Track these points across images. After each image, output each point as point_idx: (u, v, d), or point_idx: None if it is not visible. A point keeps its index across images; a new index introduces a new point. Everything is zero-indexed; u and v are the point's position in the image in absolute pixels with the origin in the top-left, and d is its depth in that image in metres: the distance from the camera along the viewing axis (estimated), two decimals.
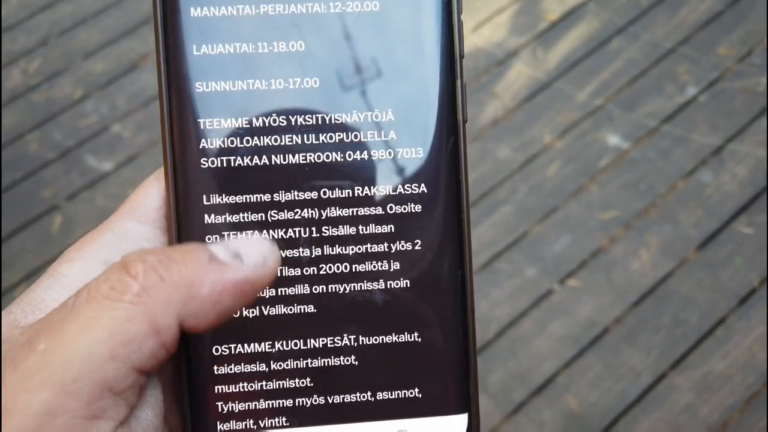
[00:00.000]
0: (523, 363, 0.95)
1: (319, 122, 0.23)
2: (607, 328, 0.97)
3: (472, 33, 1.28)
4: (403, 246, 0.23)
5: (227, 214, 0.23)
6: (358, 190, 0.23)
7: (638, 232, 1.05)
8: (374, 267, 0.23)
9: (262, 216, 0.23)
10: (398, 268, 0.23)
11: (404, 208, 0.23)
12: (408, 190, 0.23)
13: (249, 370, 0.23)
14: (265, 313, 0.23)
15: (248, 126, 0.23)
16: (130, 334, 0.18)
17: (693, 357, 0.94)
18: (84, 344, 0.17)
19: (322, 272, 0.23)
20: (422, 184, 0.23)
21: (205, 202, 0.23)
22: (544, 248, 1.04)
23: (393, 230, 0.23)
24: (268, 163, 0.23)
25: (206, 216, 0.23)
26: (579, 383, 0.93)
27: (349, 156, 0.23)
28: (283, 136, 0.23)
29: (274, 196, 0.23)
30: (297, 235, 0.23)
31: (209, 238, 0.23)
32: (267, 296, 0.23)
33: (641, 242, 1.04)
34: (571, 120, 1.17)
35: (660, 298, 0.99)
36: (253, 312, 0.23)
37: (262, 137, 0.23)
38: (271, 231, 0.23)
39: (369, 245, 0.23)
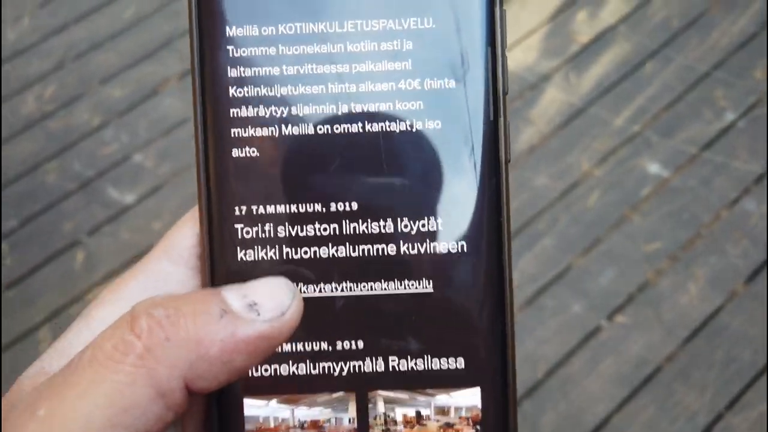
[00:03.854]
0: (575, 404, 0.92)
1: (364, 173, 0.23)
2: (659, 366, 0.95)
3: None
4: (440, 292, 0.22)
5: (264, 255, 0.22)
6: (402, 226, 0.23)
7: (685, 265, 1.02)
8: (415, 310, 0.22)
9: (298, 254, 0.22)
10: (437, 316, 0.22)
11: (444, 252, 0.22)
12: (447, 234, 0.22)
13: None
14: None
15: (285, 169, 0.23)
16: (132, 400, 0.17)
17: (749, 396, 0.92)
18: (83, 411, 0.17)
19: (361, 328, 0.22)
20: (463, 226, 0.22)
21: (240, 241, 0.22)
22: (588, 282, 1.01)
23: (432, 275, 0.22)
24: (302, 211, 0.22)
25: (240, 254, 0.22)
26: (634, 425, 0.90)
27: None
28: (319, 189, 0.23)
29: (310, 248, 0.22)
30: (332, 284, 0.22)
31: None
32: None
33: (688, 275, 1.01)
34: (609, 147, 1.14)
35: (711, 333, 0.97)
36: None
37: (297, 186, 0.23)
38: (302, 275, 0.22)
39: (409, 283, 0.22)
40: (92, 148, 1.21)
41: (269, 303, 0.19)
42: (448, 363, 0.22)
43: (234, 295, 0.19)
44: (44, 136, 1.23)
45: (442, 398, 0.22)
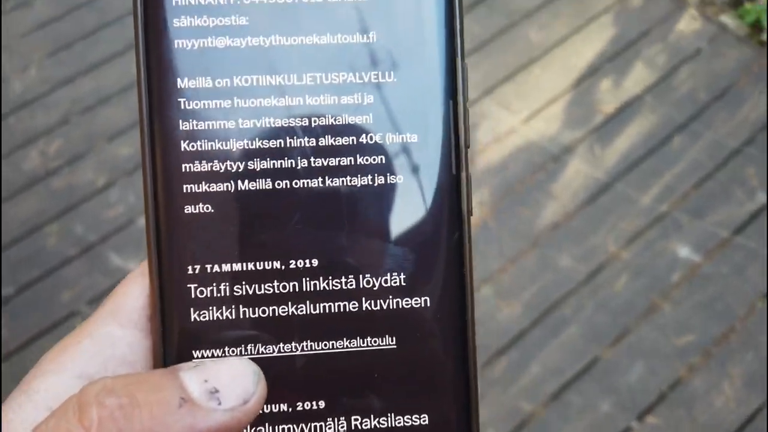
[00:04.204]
0: None
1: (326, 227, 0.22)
2: None
3: (524, 124, 1.21)
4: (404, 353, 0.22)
5: (219, 315, 0.21)
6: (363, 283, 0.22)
7: (719, 362, 0.97)
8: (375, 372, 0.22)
9: (256, 313, 0.22)
10: (400, 371, 0.22)
11: (407, 307, 0.22)
12: (406, 283, 0.22)
13: None
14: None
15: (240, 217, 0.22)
16: None
17: None
18: None
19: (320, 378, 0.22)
20: (426, 281, 0.22)
21: (193, 301, 0.21)
22: (617, 377, 0.96)
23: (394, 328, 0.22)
24: (260, 269, 0.22)
25: (193, 315, 0.21)
26: None
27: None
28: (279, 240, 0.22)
29: (268, 306, 0.22)
30: (294, 342, 0.22)
31: (196, 353, 0.21)
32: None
33: (723, 373, 0.96)
34: (636, 227, 1.10)
35: None
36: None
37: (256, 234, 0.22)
38: (263, 337, 0.22)
39: (366, 340, 0.22)
40: (96, 209, 1.16)
41: (232, 390, 0.18)
42: (412, 420, 0.22)
43: (194, 379, 0.18)
44: (47, 195, 1.18)
45: None
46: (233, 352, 0.21)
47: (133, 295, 0.21)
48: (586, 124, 1.21)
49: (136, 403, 0.17)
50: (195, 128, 0.21)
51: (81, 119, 1.27)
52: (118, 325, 0.21)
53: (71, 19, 1.38)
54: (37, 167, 1.22)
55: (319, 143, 0.22)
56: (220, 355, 0.21)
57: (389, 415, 0.22)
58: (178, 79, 0.21)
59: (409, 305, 0.22)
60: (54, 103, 1.29)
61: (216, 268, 0.21)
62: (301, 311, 0.22)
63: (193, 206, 0.21)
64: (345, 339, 0.22)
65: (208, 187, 0.21)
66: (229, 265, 0.21)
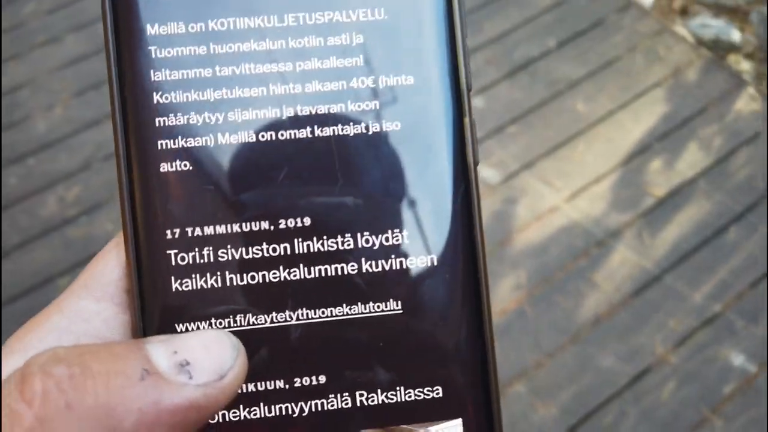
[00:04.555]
0: None
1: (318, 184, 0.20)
2: None
3: (567, 203, 1.14)
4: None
5: (203, 283, 0.19)
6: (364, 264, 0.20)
7: None
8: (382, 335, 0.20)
9: (244, 280, 0.19)
10: (408, 334, 0.20)
11: (411, 267, 0.20)
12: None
13: None
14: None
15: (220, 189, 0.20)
16: None
17: None
18: None
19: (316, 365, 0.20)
20: (431, 238, 0.20)
21: (173, 269, 0.19)
22: None
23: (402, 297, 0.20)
24: (247, 230, 0.20)
25: (174, 284, 0.19)
26: None
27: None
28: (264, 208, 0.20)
29: (258, 272, 0.20)
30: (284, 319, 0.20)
31: (179, 327, 0.19)
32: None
33: None
34: (687, 328, 1.01)
35: None
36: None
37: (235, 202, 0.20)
38: (253, 306, 0.19)
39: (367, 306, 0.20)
40: None
41: (205, 363, 0.16)
42: (424, 393, 0.20)
43: (161, 350, 0.16)
44: (61, 245, 1.13)
45: None
46: (221, 324, 0.19)
47: (110, 266, 0.19)
48: (634, 207, 1.14)
49: (90, 374, 0.15)
50: (168, 78, 0.20)
51: (103, 166, 1.22)
52: (93, 299, 0.19)
53: (102, 59, 1.35)
54: (53, 214, 1.17)
55: (306, 90, 0.20)
56: (206, 328, 0.19)
57: (398, 388, 0.20)
58: (148, 25, 0.20)
59: (414, 265, 0.20)
60: (77, 146, 1.25)
61: (197, 231, 0.20)
62: (295, 276, 0.20)
63: (169, 164, 0.20)
64: (345, 305, 0.20)
65: (185, 141, 0.20)
66: (211, 227, 0.20)
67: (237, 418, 0.19)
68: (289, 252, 0.20)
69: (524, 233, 1.11)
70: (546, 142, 1.21)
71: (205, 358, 0.16)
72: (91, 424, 0.14)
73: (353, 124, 0.20)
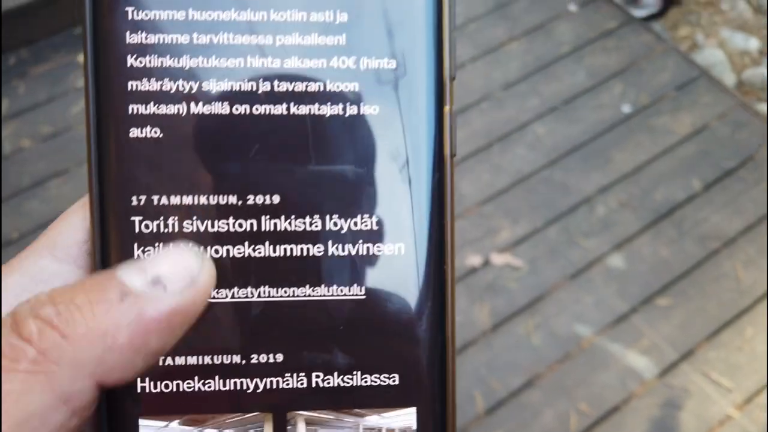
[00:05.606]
0: None
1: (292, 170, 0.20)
2: None
3: (740, 411, 1.03)
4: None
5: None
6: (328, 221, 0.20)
7: None
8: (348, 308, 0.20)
9: (208, 253, 0.20)
10: (375, 313, 0.20)
11: (378, 254, 0.20)
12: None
13: None
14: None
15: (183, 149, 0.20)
16: (28, 410, 0.15)
17: None
18: None
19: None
20: (401, 226, 0.20)
21: (137, 236, 0.20)
22: None
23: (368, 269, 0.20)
24: (213, 203, 0.20)
25: (137, 252, 0.20)
26: None
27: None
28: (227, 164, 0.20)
29: (222, 246, 0.20)
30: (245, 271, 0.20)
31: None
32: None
33: None
34: None
35: None
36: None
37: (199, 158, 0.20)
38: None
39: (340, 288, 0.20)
40: None
41: (175, 273, 0.17)
42: (380, 379, 0.20)
43: (132, 272, 0.17)
44: None
45: (373, 419, 0.20)
46: None
47: (74, 227, 0.20)
48: None
49: (75, 307, 0.16)
50: (144, 42, 0.20)
51: None
52: (54, 259, 0.19)
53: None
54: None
55: (284, 65, 0.20)
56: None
57: (355, 373, 0.20)
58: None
59: (381, 252, 0.20)
60: None
61: (164, 200, 0.20)
62: (259, 253, 0.20)
63: (139, 129, 0.20)
64: (308, 286, 0.20)
65: (157, 108, 0.20)
66: (178, 197, 0.20)
67: (191, 389, 0.20)
68: (255, 228, 0.20)
69: None
70: (706, 321, 1.10)
71: (174, 269, 0.17)
72: (89, 348, 0.16)
73: (330, 105, 0.20)
